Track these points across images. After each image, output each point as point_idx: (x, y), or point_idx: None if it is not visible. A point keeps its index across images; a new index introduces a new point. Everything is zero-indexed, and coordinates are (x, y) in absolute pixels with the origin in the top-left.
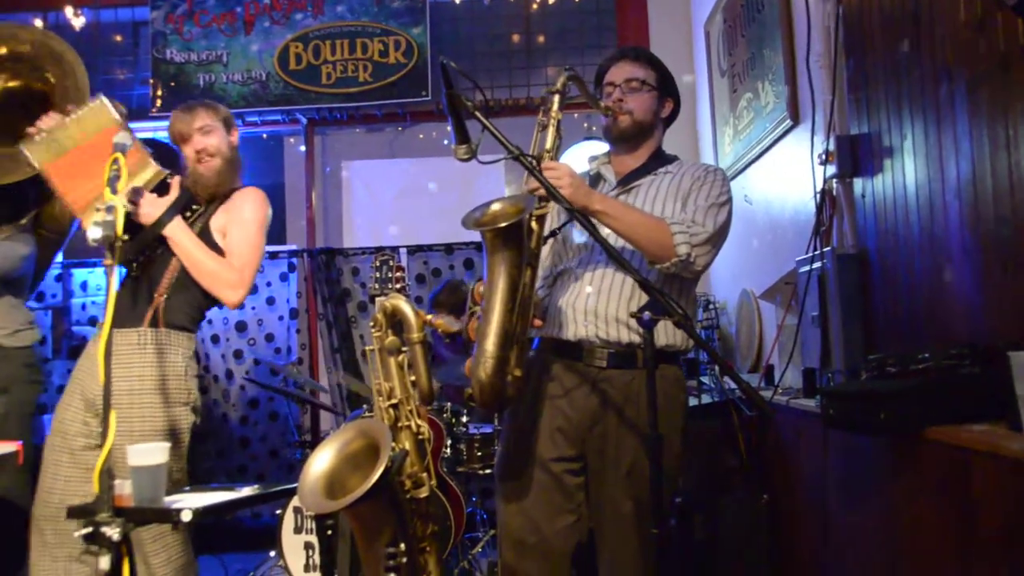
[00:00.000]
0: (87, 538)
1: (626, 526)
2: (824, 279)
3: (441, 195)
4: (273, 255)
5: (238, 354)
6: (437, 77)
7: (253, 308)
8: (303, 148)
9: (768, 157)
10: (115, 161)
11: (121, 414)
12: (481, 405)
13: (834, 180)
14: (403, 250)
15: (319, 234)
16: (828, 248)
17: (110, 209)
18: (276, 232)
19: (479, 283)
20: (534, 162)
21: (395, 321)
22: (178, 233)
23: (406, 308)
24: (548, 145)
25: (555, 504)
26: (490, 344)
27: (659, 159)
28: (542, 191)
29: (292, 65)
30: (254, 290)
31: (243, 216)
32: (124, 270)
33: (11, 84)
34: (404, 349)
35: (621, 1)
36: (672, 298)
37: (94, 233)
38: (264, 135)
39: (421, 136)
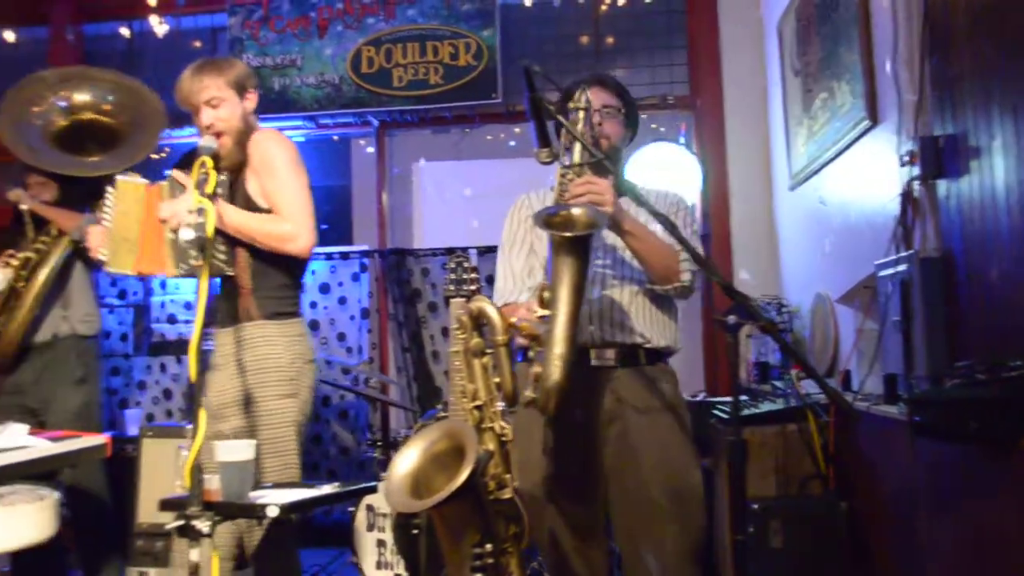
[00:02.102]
0: (179, 531)
1: (659, 519)
2: (909, 283)
3: (510, 197)
4: (345, 255)
5: None
6: (508, 79)
7: (326, 308)
8: (370, 150)
9: (844, 158)
10: (202, 164)
11: (240, 412)
12: (547, 411)
13: (916, 182)
14: (473, 251)
15: (388, 235)
16: (911, 251)
17: (200, 211)
18: (344, 232)
19: (542, 288)
20: (614, 167)
21: (479, 323)
22: (229, 218)
23: (491, 311)
24: (576, 158)
25: (581, 530)
26: (561, 347)
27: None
28: (582, 199)
29: (364, 68)
30: (326, 289)
31: (272, 166)
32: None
33: (85, 118)
34: (488, 351)
35: (691, 1)
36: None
37: (186, 235)
38: (335, 137)
39: (489, 137)
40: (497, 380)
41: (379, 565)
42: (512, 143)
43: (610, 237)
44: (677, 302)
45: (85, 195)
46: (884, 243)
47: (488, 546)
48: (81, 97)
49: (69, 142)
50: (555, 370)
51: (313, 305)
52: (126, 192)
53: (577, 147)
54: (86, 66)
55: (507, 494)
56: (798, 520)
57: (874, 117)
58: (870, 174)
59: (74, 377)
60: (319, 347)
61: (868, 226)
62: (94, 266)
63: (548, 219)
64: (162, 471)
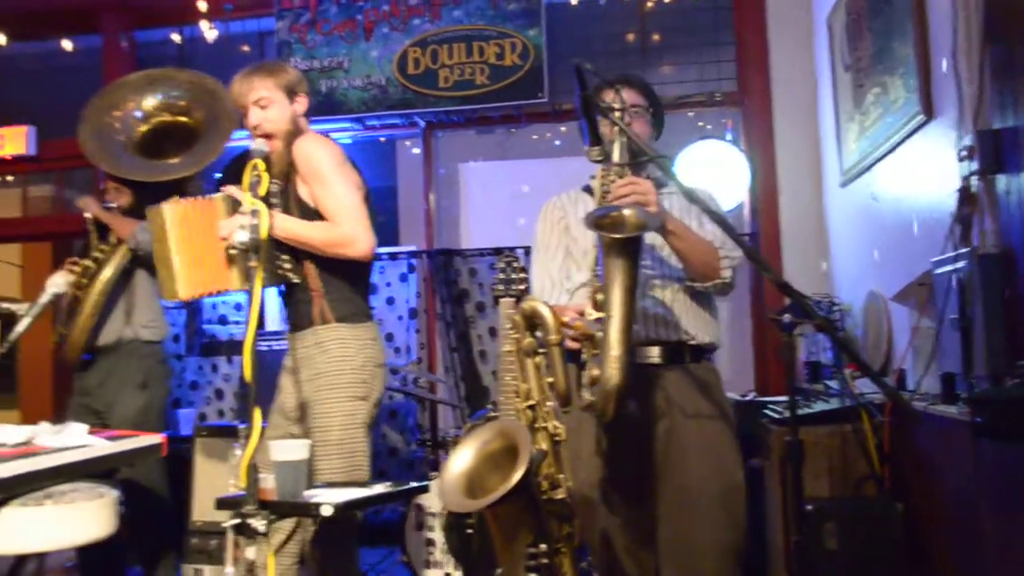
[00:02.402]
0: (235, 529)
1: (705, 518)
2: (967, 281)
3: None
4: (393, 256)
5: None
6: (554, 78)
7: (374, 308)
8: (416, 151)
9: (898, 154)
10: (254, 167)
11: (312, 413)
12: (606, 415)
13: (974, 177)
14: (520, 251)
15: (434, 235)
16: (969, 248)
17: (254, 213)
18: (390, 233)
19: (595, 290)
20: (668, 163)
21: (532, 323)
22: (281, 226)
23: (544, 310)
24: (616, 158)
25: (633, 531)
26: (618, 350)
27: (657, 182)
28: (627, 200)
29: (411, 70)
30: (374, 290)
31: (318, 172)
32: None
33: (166, 119)
34: (541, 351)
35: None
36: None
37: (240, 237)
38: (381, 139)
39: (535, 137)
40: (550, 380)
41: (428, 564)
42: (557, 142)
43: (649, 236)
44: (725, 300)
45: (158, 200)
46: (940, 240)
47: (542, 546)
48: (160, 99)
49: (149, 147)
50: (614, 373)
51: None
52: (153, 219)
53: (617, 147)
54: (167, 68)
55: (560, 494)
56: (853, 521)
57: (929, 111)
58: (925, 170)
59: (135, 382)
60: None
61: (923, 223)
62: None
63: (598, 221)
64: (216, 470)
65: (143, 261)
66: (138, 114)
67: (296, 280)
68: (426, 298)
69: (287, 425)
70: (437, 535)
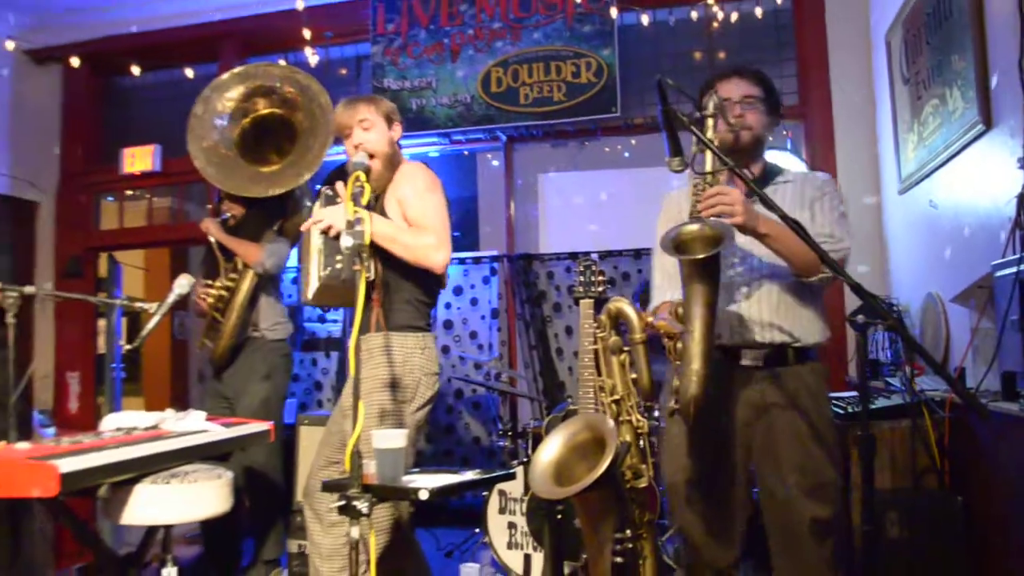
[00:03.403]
0: (340, 509)
1: (798, 514)
2: None
3: (629, 204)
4: (476, 260)
5: (445, 349)
6: (626, 94)
7: (459, 308)
8: (496, 163)
9: (956, 162)
10: (357, 178)
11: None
12: (689, 418)
13: None
14: (594, 255)
15: (514, 241)
16: None
17: (359, 221)
18: (472, 240)
19: (677, 304)
20: (747, 174)
21: (618, 323)
22: (378, 228)
23: (630, 311)
24: (708, 167)
25: (711, 523)
26: (698, 364)
27: (771, 171)
28: (713, 210)
29: (493, 88)
30: (459, 291)
31: (417, 188)
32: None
33: (263, 112)
34: (626, 349)
35: (800, 16)
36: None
37: (346, 242)
38: (465, 152)
39: (607, 149)
40: (634, 376)
41: (510, 545)
42: (627, 154)
43: (744, 241)
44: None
45: (268, 210)
46: (998, 244)
47: (627, 532)
48: (241, 91)
49: (249, 147)
50: (692, 385)
51: (448, 306)
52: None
53: (709, 155)
54: (260, 63)
55: (643, 483)
56: (914, 512)
57: (988, 121)
58: (984, 177)
59: (260, 374)
60: (453, 344)
61: (982, 228)
62: (278, 282)
63: (675, 241)
64: None
65: (270, 278)
66: (223, 120)
67: (372, 278)
68: (507, 299)
69: (341, 420)
70: (518, 519)
